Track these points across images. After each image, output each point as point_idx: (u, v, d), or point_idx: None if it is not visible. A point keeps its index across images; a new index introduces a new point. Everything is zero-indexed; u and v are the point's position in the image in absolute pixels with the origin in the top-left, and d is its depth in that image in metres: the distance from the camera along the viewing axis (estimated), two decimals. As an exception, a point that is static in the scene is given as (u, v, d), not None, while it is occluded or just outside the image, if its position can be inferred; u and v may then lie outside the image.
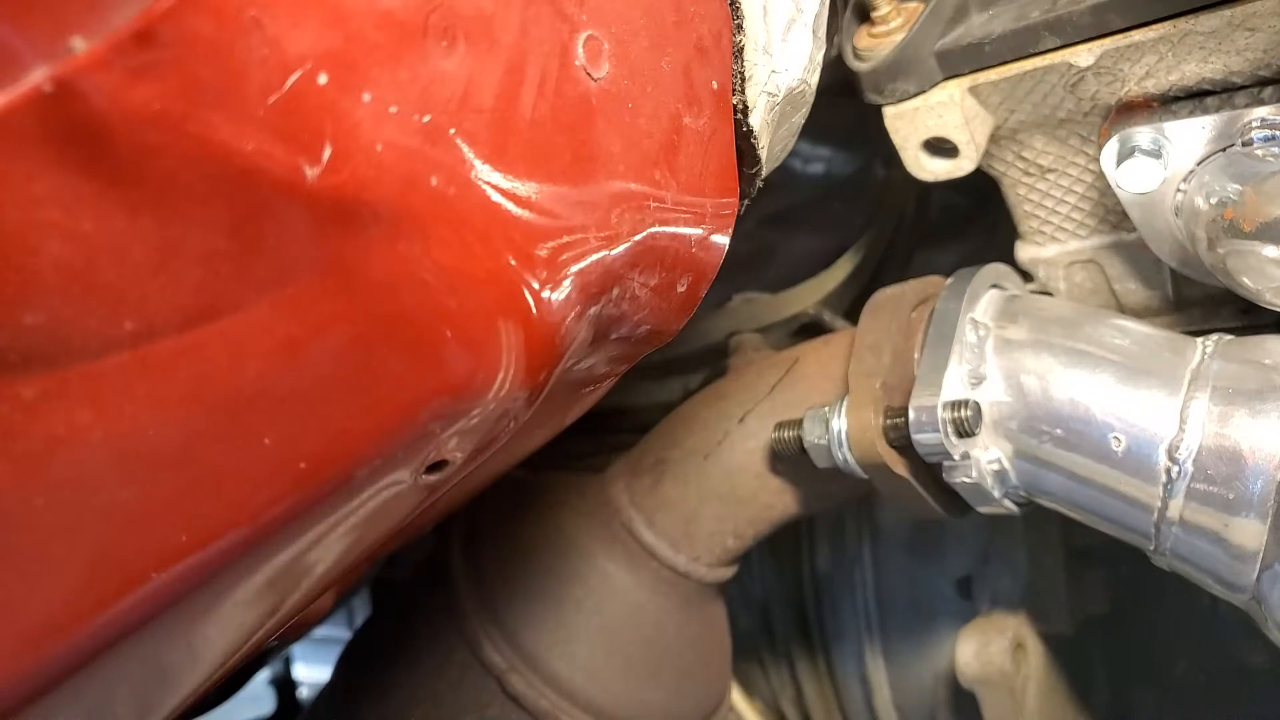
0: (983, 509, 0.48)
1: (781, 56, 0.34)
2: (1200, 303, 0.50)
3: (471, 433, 0.26)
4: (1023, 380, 0.44)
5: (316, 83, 0.20)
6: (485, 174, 0.23)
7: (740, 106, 0.33)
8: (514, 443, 0.29)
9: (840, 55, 0.48)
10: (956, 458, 0.44)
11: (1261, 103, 0.40)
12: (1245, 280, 0.41)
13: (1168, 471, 0.40)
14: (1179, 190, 0.42)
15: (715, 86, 0.31)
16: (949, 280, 0.48)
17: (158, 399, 0.22)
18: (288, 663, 1.18)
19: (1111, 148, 0.42)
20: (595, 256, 0.25)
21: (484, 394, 0.24)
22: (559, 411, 0.35)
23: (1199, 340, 0.43)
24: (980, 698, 0.60)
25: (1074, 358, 0.43)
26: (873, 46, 0.46)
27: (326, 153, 0.20)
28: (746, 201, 0.35)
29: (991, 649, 0.60)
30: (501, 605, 0.55)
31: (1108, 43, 0.41)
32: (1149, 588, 0.58)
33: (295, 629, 0.30)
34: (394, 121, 0.21)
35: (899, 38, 0.45)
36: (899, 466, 0.47)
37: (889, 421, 0.46)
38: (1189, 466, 0.40)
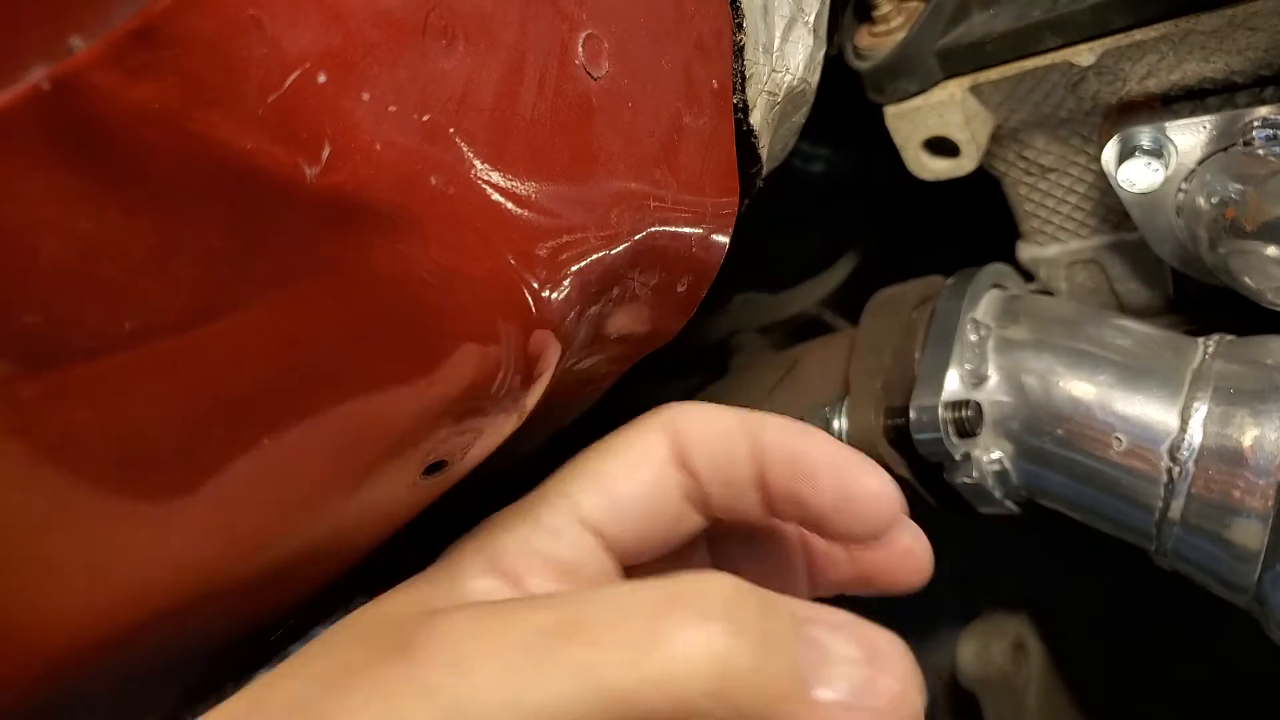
0: (984, 509, 0.48)
1: (782, 55, 0.34)
2: (1202, 303, 0.50)
3: (470, 433, 0.26)
4: (1024, 380, 0.44)
5: (316, 82, 0.20)
6: (484, 173, 0.23)
7: (740, 105, 0.33)
8: (513, 443, 0.29)
9: (840, 54, 0.48)
10: (957, 458, 0.44)
11: (1263, 102, 0.39)
12: (1247, 280, 0.41)
13: (1169, 472, 0.40)
14: (1180, 190, 0.42)
15: (715, 85, 0.31)
16: (950, 280, 0.48)
17: (156, 399, 0.22)
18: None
19: (1113, 147, 0.42)
20: (595, 256, 0.25)
21: (483, 393, 0.24)
22: (559, 412, 0.35)
23: (1200, 340, 0.43)
24: (981, 698, 0.60)
25: (1075, 358, 0.43)
26: (873, 45, 0.46)
27: (325, 152, 0.20)
28: (747, 201, 0.35)
29: (992, 650, 0.60)
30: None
31: (1109, 42, 0.41)
32: (1151, 588, 0.58)
33: (294, 630, 0.30)
34: (393, 121, 0.21)
35: (899, 37, 0.45)
36: (900, 467, 0.47)
37: (890, 422, 0.46)
38: (1190, 467, 0.39)
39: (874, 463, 0.29)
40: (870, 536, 0.29)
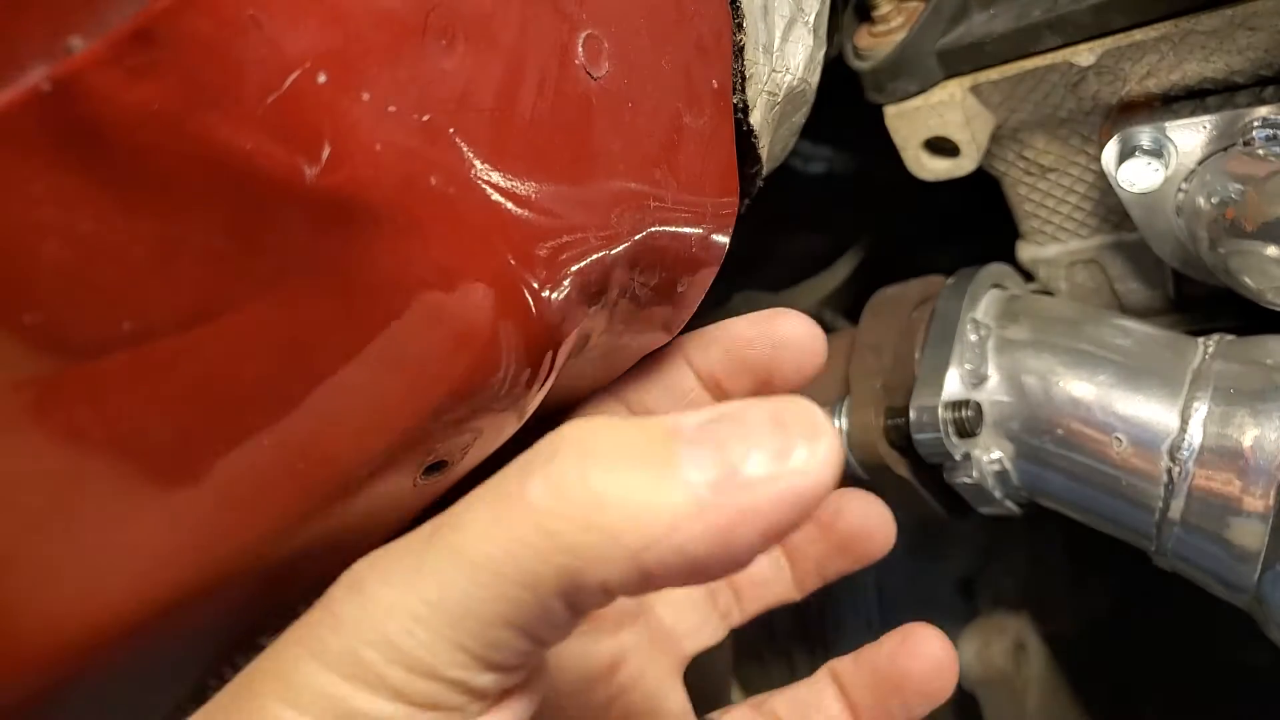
0: (984, 510, 0.48)
1: (782, 55, 0.34)
2: (1202, 303, 0.50)
3: (470, 433, 0.26)
4: (1024, 380, 0.44)
5: (315, 82, 0.20)
6: (484, 173, 0.23)
7: (740, 106, 0.33)
8: (513, 443, 0.29)
9: (840, 54, 0.48)
10: (958, 458, 0.44)
11: (1263, 102, 0.39)
12: (1247, 280, 0.41)
13: (1169, 472, 0.40)
14: (1180, 190, 0.42)
15: (715, 85, 0.31)
16: (950, 280, 0.48)
17: (156, 399, 0.22)
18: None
19: (1113, 147, 0.42)
20: (595, 256, 0.25)
21: (483, 394, 0.24)
22: (559, 412, 0.35)
23: (1200, 340, 0.43)
24: (981, 699, 0.60)
25: (1075, 358, 0.43)
26: (873, 46, 0.46)
27: (325, 152, 0.20)
28: (747, 201, 0.35)
29: (993, 650, 0.60)
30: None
31: (1109, 42, 0.41)
32: (1151, 588, 0.58)
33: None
34: (393, 121, 0.21)
35: (899, 37, 0.45)
36: (900, 467, 0.47)
37: (890, 422, 0.46)
38: (1190, 467, 0.39)
39: (785, 310, 0.34)
40: (806, 369, 0.33)
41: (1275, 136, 0.39)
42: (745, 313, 0.69)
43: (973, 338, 0.45)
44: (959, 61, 0.45)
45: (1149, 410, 0.41)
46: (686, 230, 0.29)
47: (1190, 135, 0.41)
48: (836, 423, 0.48)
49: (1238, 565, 0.39)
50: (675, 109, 0.29)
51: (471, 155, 0.22)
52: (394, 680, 0.20)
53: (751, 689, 0.74)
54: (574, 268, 0.25)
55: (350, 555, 0.28)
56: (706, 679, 0.39)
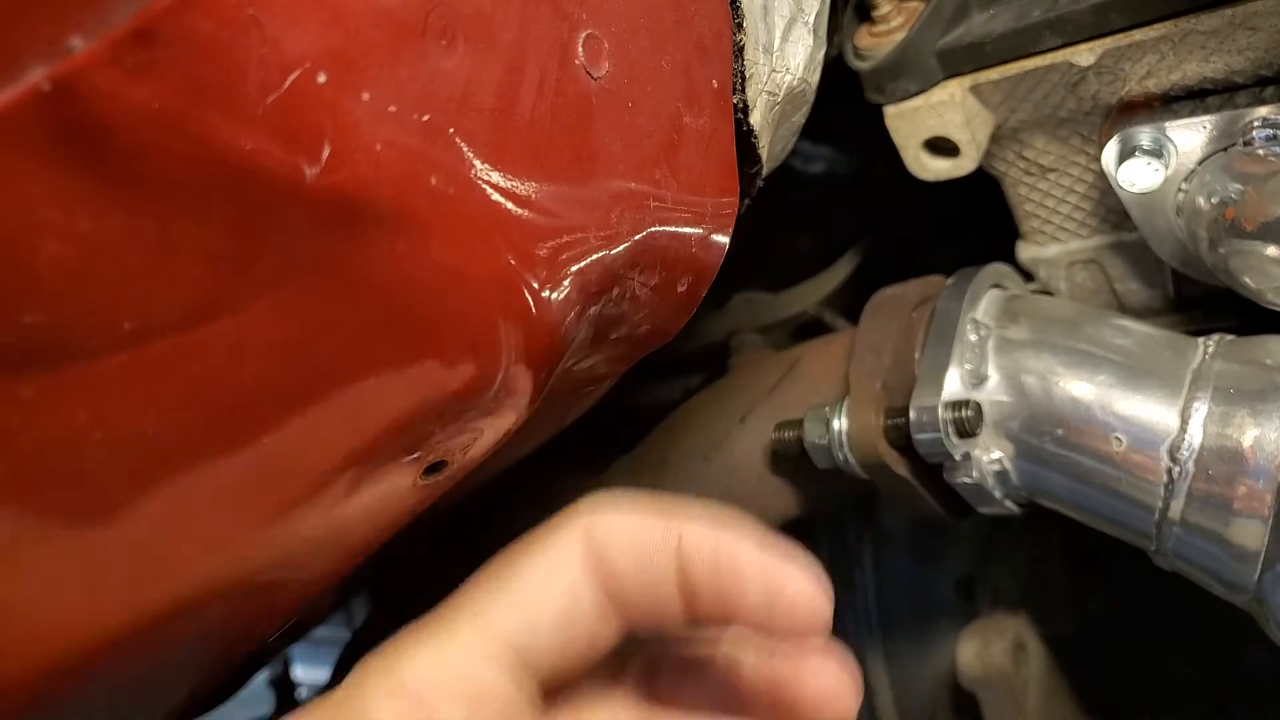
0: (984, 509, 0.48)
1: (782, 55, 0.34)
2: (1202, 303, 0.50)
3: (471, 433, 0.26)
4: (1024, 380, 0.44)
5: (315, 82, 0.20)
6: (485, 173, 0.23)
7: (740, 106, 0.33)
8: (513, 443, 0.29)
9: (841, 54, 0.48)
10: (957, 458, 0.44)
11: (1263, 102, 0.39)
12: (1247, 280, 0.41)
13: (1169, 472, 0.40)
14: (1180, 190, 0.42)
15: (715, 85, 0.31)
16: (950, 280, 0.48)
17: (156, 399, 0.22)
18: (287, 664, 1.18)
19: (1113, 147, 0.42)
20: (595, 256, 0.25)
21: (483, 394, 0.24)
22: (559, 411, 0.35)
23: (1200, 340, 0.43)
24: (981, 699, 0.60)
25: (1075, 358, 0.43)
26: (873, 46, 0.46)
27: (325, 152, 0.20)
28: (747, 201, 0.35)
29: (993, 650, 0.60)
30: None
31: (1109, 42, 0.41)
32: (1150, 588, 0.58)
33: (294, 630, 0.30)
34: (393, 121, 0.21)
35: (900, 37, 0.45)
36: (900, 467, 0.47)
37: (890, 422, 0.46)
38: (1190, 467, 0.39)
39: (800, 558, 0.28)
40: (797, 636, 0.28)
41: (1275, 136, 0.39)
42: (746, 312, 0.68)
43: (973, 338, 0.45)
44: (959, 61, 0.45)
45: (1149, 410, 0.41)
46: (686, 230, 0.29)
47: (1190, 135, 0.41)
48: (836, 423, 0.48)
49: (1238, 565, 0.39)
50: (675, 109, 0.29)
51: (472, 155, 0.22)
52: None
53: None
54: (574, 267, 0.25)
55: (352, 553, 0.28)
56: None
